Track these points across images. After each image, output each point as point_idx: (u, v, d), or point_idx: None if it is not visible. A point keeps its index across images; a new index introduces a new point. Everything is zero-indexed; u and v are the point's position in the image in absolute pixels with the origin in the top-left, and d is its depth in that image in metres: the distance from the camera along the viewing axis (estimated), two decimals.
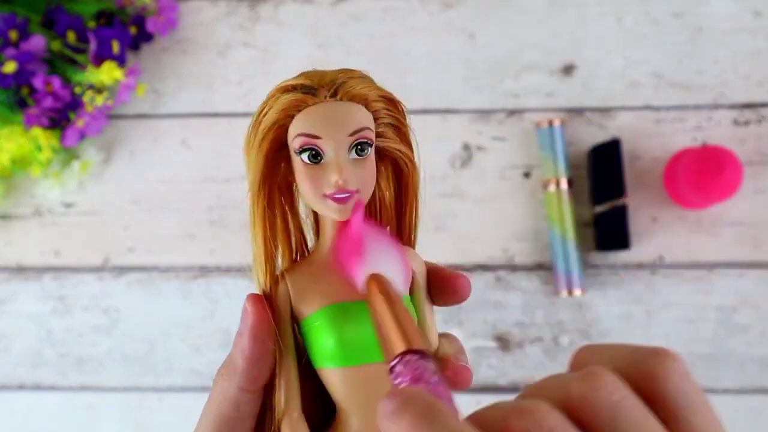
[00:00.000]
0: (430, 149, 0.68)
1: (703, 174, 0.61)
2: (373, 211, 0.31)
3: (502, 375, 0.65)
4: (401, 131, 0.30)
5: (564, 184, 0.64)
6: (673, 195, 0.65)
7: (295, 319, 0.29)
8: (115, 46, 0.63)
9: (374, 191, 0.30)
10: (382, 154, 0.30)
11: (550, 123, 0.65)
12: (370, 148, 0.28)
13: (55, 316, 0.68)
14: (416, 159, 0.31)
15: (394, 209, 0.31)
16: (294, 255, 0.31)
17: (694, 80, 0.67)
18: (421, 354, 0.24)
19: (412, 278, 0.30)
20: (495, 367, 0.65)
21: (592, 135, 0.67)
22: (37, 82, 0.60)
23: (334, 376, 0.28)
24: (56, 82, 0.61)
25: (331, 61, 0.69)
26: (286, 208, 0.30)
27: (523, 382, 0.65)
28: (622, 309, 0.66)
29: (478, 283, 0.66)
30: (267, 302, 0.29)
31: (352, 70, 0.29)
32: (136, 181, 0.69)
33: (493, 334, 0.66)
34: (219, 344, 0.67)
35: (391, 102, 0.30)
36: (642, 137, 0.67)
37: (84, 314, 0.68)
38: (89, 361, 0.68)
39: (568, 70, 0.68)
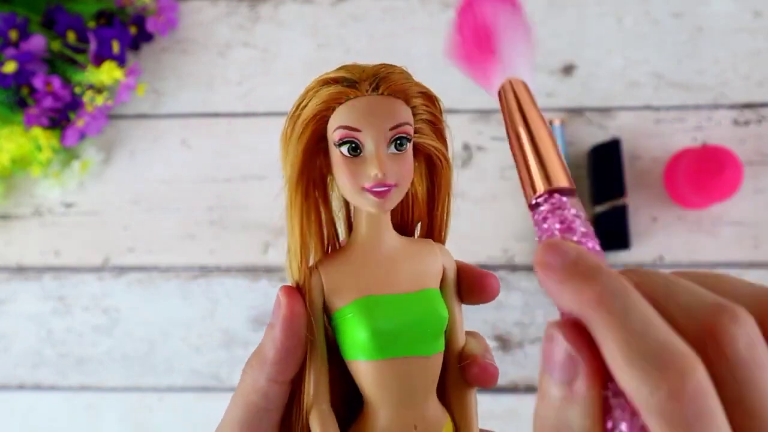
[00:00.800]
0: None
1: (703, 174, 0.61)
2: (405, 207, 0.31)
3: (502, 375, 0.65)
4: (437, 127, 0.31)
5: None
6: (673, 195, 0.65)
7: (327, 312, 0.29)
8: (115, 46, 0.63)
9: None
10: (416, 150, 0.30)
11: (550, 123, 0.65)
12: (408, 143, 0.29)
13: (55, 316, 0.68)
14: (450, 156, 0.31)
15: (426, 205, 0.31)
16: (326, 248, 0.31)
17: (694, 80, 0.67)
18: (569, 193, 0.23)
19: (443, 274, 0.30)
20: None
21: (592, 135, 0.67)
22: (37, 82, 0.60)
23: (365, 369, 0.28)
24: (56, 82, 0.61)
25: (331, 61, 0.69)
26: (320, 201, 0.30)
27: (523, 383, 0.65)
28: None
29: None
30: (300, 294, 0.29)
31: (392, 65, 0.30)
32: (136, 181, 0.69)
33: (493, 334, 0.66)
34: (219, 344, 0.67)
35: (430, 98, 0.31)
36: (642, 137, 0.67)
37: (84, 314, 0.68)
38: (89, 361, 0.68)
39: (568, 70, 0.68)
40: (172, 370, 0.67)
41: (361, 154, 0.28)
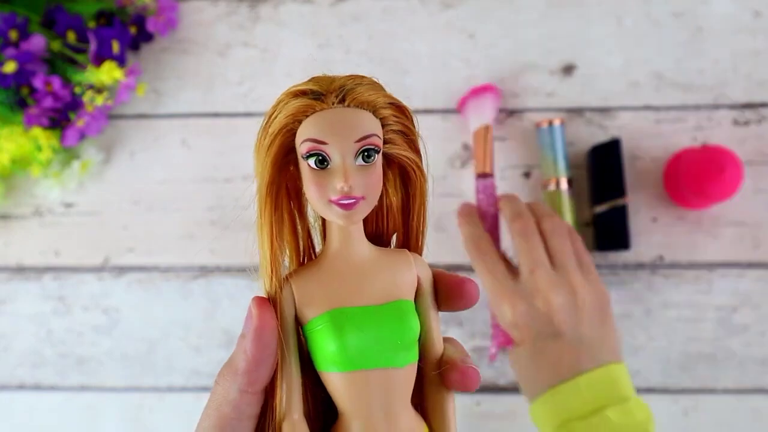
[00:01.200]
0: (430, 149, 0.68)
1: (703, 174, 0.61)
2: (380, 218, 0.31)
3: (501, 375, 0.65)
4: (409, 138, 0.30)
5: (564, 184, 0.64)
6: (673, 195, 0.65)
7: (300, 323, 0.29)
8: (115, 46, 0.63)
9: (382, 197, 0.30)
10: (390, 161, 0.30)
11: (550, 123, 0.65)
12: (376, 155, 0.28)
13: (55, 316, 0.68)
14: (424, 166, 0.31)
15: (402, 215, 0.31)
16: (301, 258, 0.31)
17: (694, 80, 0.67)
18: (491, 176, 0.61)
19: (418, 284, 0.30)
20: (495, 367, 0.65)
21: (592, 135, 0.67)
22: (37, 82, 0.60)
23: (336, 381, 0.28)
24: (56, 82, 0.61)
25: (331, 62, 0.69)
26: (295, 211, 0.31)
27: None
28: (621, 308, 0.66)
29: (478, 283, 0.66)
30: (272, 305, 0.29)
31: (361, 77, 0.29)
32: (136, 181, 0.69)
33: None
34: (219, 344, 0.67)
35: (400, 109, 0.30)
36: (642, 137, 0.67)
37: (84, 314, 0.68)
38: (89, 361, 0.68)
39: (568, 70, 0.68)
40: (172, 370, 0.67)
41: (329, 167, 0.28)
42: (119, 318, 0.68)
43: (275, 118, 0.28)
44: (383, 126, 0.29)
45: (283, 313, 0.29)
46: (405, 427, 0.29)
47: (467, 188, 0.67)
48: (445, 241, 0.67)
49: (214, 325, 0.67)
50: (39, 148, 0.63)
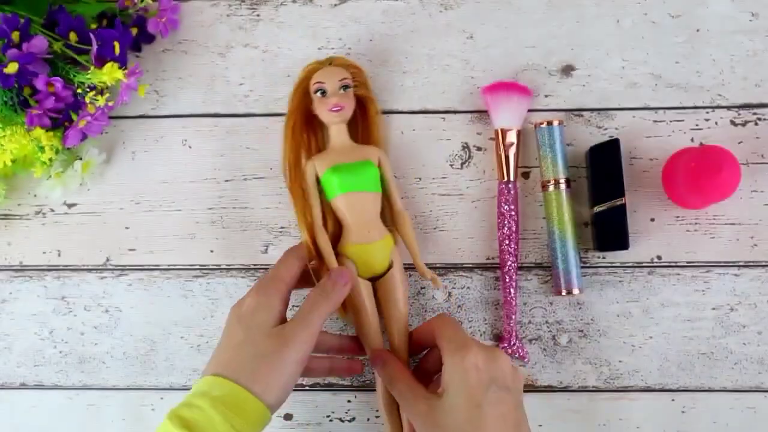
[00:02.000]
0: (430, 149, 0.68)
1: (701, 174, 0.61)
2: (355, 130, 0.65)
3: None
4: (364, 84, 0.66)
5: (563, 185, 0.65)
6: (671, 195, 0.66)
7: (318, 178, 0.62)
8: (117, 47, 0.64)
9: (355, 113, 0.64)
10: (357, 99, 0.65)
11: (549, 123, 0.65)
12: (349, 89, 0.62)
13: (57, 315, 0.69)
14: (372, 96, 0.66)
15: (364, 123, 0.66)
16: (315, 152, 0.64)
17: (692, 81, 0.68)
18: (512, 182, 0.66)
19: (378, 160, 0.63)
20: None
21: (591, 135, 0.68)
22: (39, 83, 0.61)
23: (339, 201, 0.60)
24: (58, 83, 0.61)
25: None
26: (311, 132, 0.65)
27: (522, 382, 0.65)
28: (620, 308, 0.66)
29: (478, 283, 0.67)
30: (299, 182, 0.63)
31: (342, 57, 0.67)
32: (137, 181, 0.69)
33: (493, 334, 0.66)
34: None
35: (359, 70, 0.66)
36: (640, 137, 0.67)
37: (85, 314, 0.68)
38: (91, 361, 0.68)
39: (567, 70, 0.69)
40: (174, 369, 0.68)
41: (326, 95, 0.62)
42: (120, 317, 0.68)
43: (300, 76, 0.65)
44: (353, 77, 0.64)
45: (307, 175, 0.62)
46: (379, 227, 0.62)
47: (467, 188, 0.68)
48: (444, 241, 0.67)
49: (214, 324, 0.68)
50: (41, 149, 0.63)
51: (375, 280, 0.61)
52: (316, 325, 0.54)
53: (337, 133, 0.62)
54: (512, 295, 0.64)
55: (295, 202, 0.62)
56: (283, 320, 0.55)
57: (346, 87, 0.62)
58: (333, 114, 0.61)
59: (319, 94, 0.62)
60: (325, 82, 0.61)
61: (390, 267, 0.61)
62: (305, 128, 0.64)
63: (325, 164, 0.61)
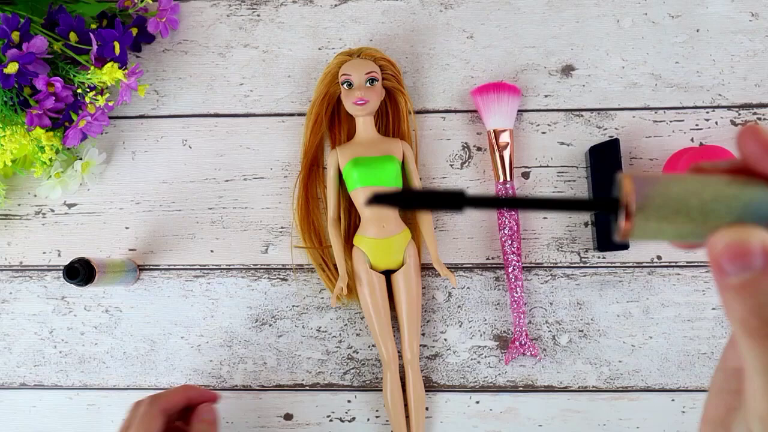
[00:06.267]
0: (430, 149, 0.68)
1: None
2: (385, 121, 0.66)
3: (501, 374, 0.66)
4: (397, 78, 0.65)
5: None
6: None
7: (340, 170, 0.62)
8: (117, 47, 0.64)
9: (384, 107, 0.66)
10: (389, 92, 0.66)
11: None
12: (376, 82, 0.63)
13: (57, 315, 0.69)
14: (405, 90, 0.66)
15: (395, 123, 0.66)
16: (340, 141, 0.65)
17: (692, 81, 0.68)
18: (509, 181, 0.66)
19: (403, 153, 0.63)
20: (495, 367, 0.66)
21: (591, 135, 0.68)
22: (39, 83, 0.61)
23: (358, 194, 0.61)
24: (58, 83, 0.61)
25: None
26: (338, 119, 0.66)
27: (522, 382, 0.66)
28: (620, 308, 0.66)
29: (478, 283, 0.67)
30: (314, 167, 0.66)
31: (375, 48, 0.66)
32: (137, 181, 0.69)
33: (492, 334, 0.66)
34: (219, 343, 0.67)
35: (390, 62, 0.65)
36: (640, 138, 0.67)
37: (86, 314, 0.68)
38: (91, 361, 0.68)
39: (567, 70, 0.69)
40: (173, 369, 0.68)
41: (353, 87, 0.62)
42: (120, 317, 0.68)
43: (329, 66, 0.65)
44: (381, 70, 0.64)
45: (330, 165, 0.63)
46: (395, 222, 0.62)
47: (467, 188, 0.68)
48: (445, 241, 0.67)
49: (214, 324, 0.68)
50: (41, 149, 0.63)
51: (389, 273, 0.63)
52: None
53: (364, 125, 0.63)
54: (519, 293, 0.64)
55: (299, 196, 0.65)
56: None
57: (372, 80, 0.62)
58: (357, 107, 0.62)
59: (345, 85, 0.62)
60: (352, 75, 0.62)
61: (405, 262, 0.63)
62: (334, 116, 0.66)
63: (347, 155, 0.62)
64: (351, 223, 0.65)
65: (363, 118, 0.63)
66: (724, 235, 0.21)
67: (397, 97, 0.65)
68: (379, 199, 0.23)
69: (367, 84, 0.61)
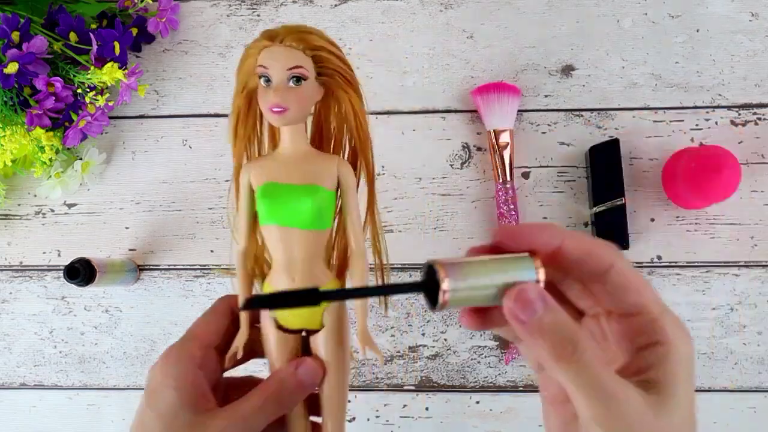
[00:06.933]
0: (430, 149, 0.68)
1: (701, 174, 0.61)
2: (325, 132, 0.43)
3: (501, 374, 0.66)
4: (345, 77, 0.41)
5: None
6: (671, 195, 0.66)
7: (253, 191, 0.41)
8: (117, 48, 0.64)
9: (320, 117, 0.43)
10: (332, 92, 0.41)
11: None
12: (304, 81, 0.39)
13: (57, 315, 0.69)
14: (363, 101, 0.41)
15: (340, 134, 0.43)
16: (257, 153, 0.43)
17: (692, 81, 0.68)
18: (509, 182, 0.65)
19: (339, 181, 0.41)
20: (495, 367, 0.66)
21: (591, 135, 0.68)
22: (39, 83, 0.61)
23: (265, 231, 0.41)
24: (58, 83, 0.61)
25: None
26: (258, 118, 0.43)
27: (522, 382, 0.66)
28: None
29: None
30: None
31: (308, 30, 0.39)
32: (137, 181, 0.69)
33: (492, 334, 0.66)
34: None
35: (331, 53, 0.40)
36: (640, 138, 0.67)
37: (85, 314, 0.68)
38: (91, 361, 0.68)
39: (567, 70, 0.69)
40: None
41: (271, 85, 0.39)
42: (120, 317, 0.68)
43: (245, 51, 0.40)
44: (316, 63, 0.39)
45: (240, 185, 0.41)
46: (310, 275, 0.41)
47: (467, 188, 0.68)
48: (445, 241, 0.67)
49: None
50: (41, 149, 0.63)
51: (308, 334, 0.43)
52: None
53: (289, 135, 0.41)
54: None
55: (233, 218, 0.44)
56: (206, 398, 0.40)
57: (298, 79, 0.39)
58: (273, 115, 0.39)
59: (262, 81, 0.39)
60: (269, 68, 0.39)
61: (325, 324, 0.42)
62: (257, 120, 0.43)
63: (259, 177, 0.41)
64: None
65: (288, 128, 0.41)
66: (509, 295, 0.28)
67: (340, 98, 0.41)
68: (251, 304, 0.28)
69: (291, 83, 0.39)
